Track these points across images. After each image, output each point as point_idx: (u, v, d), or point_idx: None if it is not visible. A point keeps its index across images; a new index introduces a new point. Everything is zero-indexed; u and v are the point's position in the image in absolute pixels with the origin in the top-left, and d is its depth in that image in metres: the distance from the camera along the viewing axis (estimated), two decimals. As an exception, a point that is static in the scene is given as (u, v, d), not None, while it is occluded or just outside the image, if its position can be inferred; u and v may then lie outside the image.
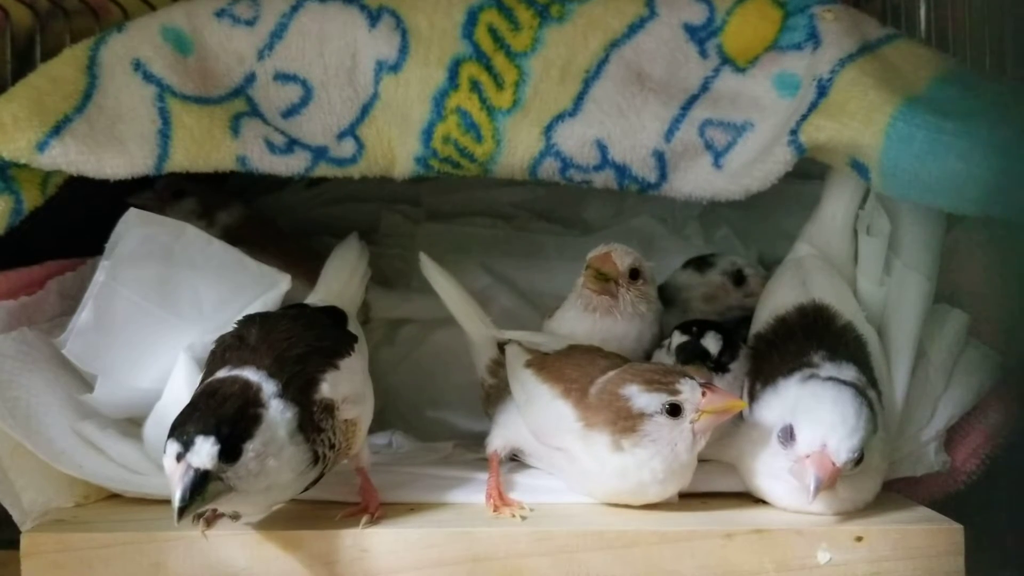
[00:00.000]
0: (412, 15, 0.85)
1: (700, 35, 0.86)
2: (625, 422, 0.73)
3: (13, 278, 0.85)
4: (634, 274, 0.87)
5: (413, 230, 1.14)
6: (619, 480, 0.74)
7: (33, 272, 0.86)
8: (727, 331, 0.85)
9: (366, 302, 1.02)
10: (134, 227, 0.83)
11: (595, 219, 1.15)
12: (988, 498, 0.82)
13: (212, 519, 0.72)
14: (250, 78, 0.85)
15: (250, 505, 0.69)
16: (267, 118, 0.85)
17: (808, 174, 0.89)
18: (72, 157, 0.79)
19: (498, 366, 0.88)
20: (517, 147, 0.84)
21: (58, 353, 0.81)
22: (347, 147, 0.86)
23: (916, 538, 0.71)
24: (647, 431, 0.73)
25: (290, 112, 0.86)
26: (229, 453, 0.64)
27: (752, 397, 0.80)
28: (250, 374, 0.69)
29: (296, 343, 0.73)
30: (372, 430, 0.80)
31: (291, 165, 0.85)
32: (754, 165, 0.81)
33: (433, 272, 0.90)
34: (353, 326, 0.83)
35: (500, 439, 0.84)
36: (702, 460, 0.76)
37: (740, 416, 0.77)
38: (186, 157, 0.83)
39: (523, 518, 0.74)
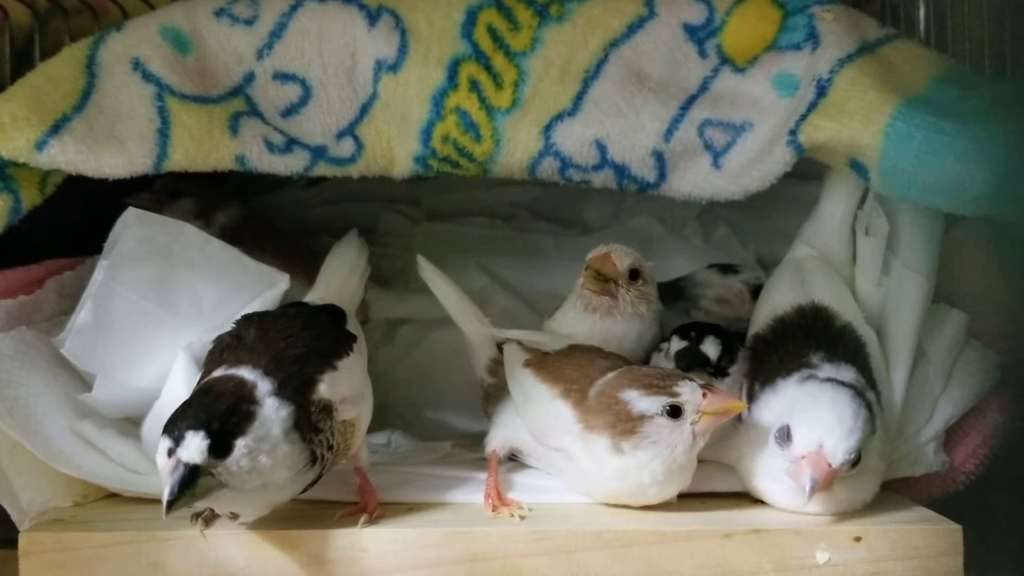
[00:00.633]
0: (411, 15, 0.85)
1: (699, 35, 0.86)
2: (625, 424, 0.73)
3: (12, 277, 0.84)
4: (634, 274, 0.87)
5: (412, 230, 1.14)
6: (619, 482, 0.74)
7: (32, 271, 0.86)
8: (725, 334, 0.84)
9: (365, 302, 1.02)
10: (133, 226, 0.83)
11: (594, 219, 1.15)
12: (987, 498, 0.82)
13: (211, 518, 0.72)
14: (249, 77, 0.85)
15: (247, 505, 0.69)
16: (266, 117, 0.85)
17: (807, 174, 0.88)
18: (71, 156, 0.79)
19: (497, 365, 0.88)
20: (516, 147, 0.84)
21: (57, 352, 0.81)
22: (346, 147, 0.86)
23: (915, 538, 0.71)
24: (647, 433, 0.73)
25: (289, 111, 0.86)
26: (219, 448, 0.64)
27: (751, 398, 0.80)
28: (246, 373, 0.69)
29: (294, 343, 0.73)
30: (371, 429, 0.80)
31: (290, 164, 0.85)
32: (753, 165, 0.81)
33: (431, 274, 0.90)
34: (352, 325, 0.83)
35: (499, 439, 0.84)
36: (701, 461, 0.76)
37: (739, 418, 0.77)
38: (185, 156, 0.82)
39: (521, 518, 0.74)
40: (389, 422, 1.01)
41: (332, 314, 0.83)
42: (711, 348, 0.83)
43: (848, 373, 0.77)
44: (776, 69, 0.84)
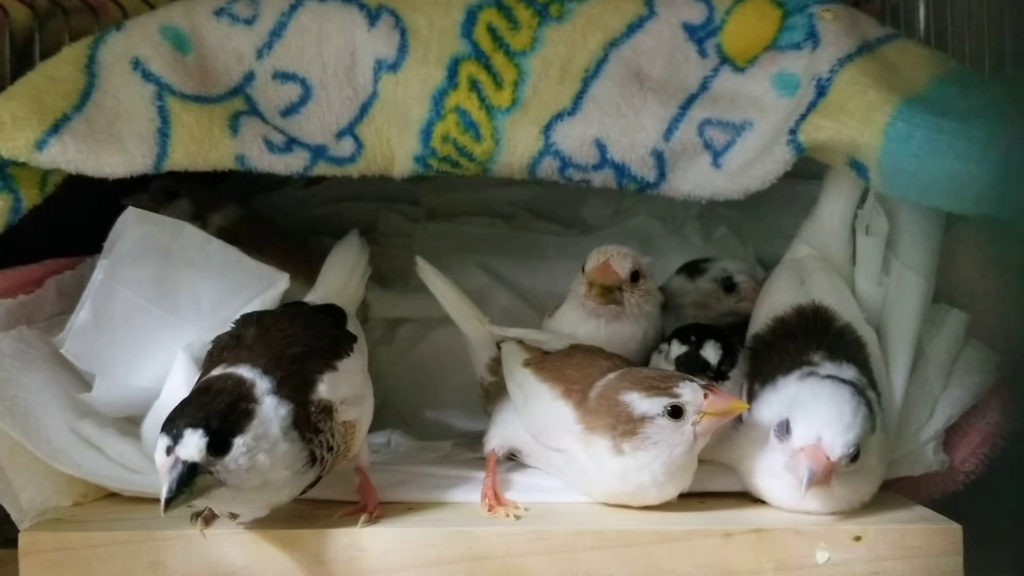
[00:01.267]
0: (411, 14, 0.85)
1: (699, 34, 0.86)
2: (626, 426, 0.73)
3: (12, 276, 0.85)
4: (635, 276, 0.87)
5: (412, 229, 1.14)
6: (619, 483, 0.74)
7: (32, 271, 0.86)
8: (725, 337, 0.84)
9: (365, 301, 1.02)
10: (132, 226, 0.83)
11: (594, 218, 1.15)
12: (987, 498, 0.82)
13: (210, 518, 0.72)
14: (249, 77, 0.85)
15: (245, 504, 0.69)
16: (266, 117, 0.85)
17: (807, 174, 0.88)
18: (71, 156, 0.79)
19: (497, 364, 0.88)
20: (516, 146, 0.84)
21: (56, 352, 0.81)
22: (346, 146, 0.86)
23: (914, 538, 0.71)
24: (648, 434, 0.73)
25: (289, 111, 0.86)
26: (218, 446, 0.64)
27: (750, 397, 0.80)
28: (244, 371, 0.69)
29: (293, 342, 0.73)
30: (370, 429, 0.80)
31: (290, 164, 0.85)
32: (753, 165, 0.81)
33: (429, 274, 0.90)
34: (352, 325, 0.83)
35: (498, 439, 0.84)
36: (701, 461, 0.76)
37: (739, 418, 0.77)
38: (185, 156, 0.82)
39: (517, 518, 0.74)
40: (389, 421, 1.01)
41: (332, 314, 0.83)
42: (711, 353, 0.82)
43: (849, 371, 0.77)
44: (776, 68, 0.84)
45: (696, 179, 0.84)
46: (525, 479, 0.82)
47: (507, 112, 0.84)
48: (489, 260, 1.10)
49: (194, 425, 0.64)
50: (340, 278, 0.91)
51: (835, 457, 0.71)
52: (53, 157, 0.79)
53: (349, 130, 0.86)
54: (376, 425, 0.87)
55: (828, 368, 0.77)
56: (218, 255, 0.85)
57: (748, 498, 0.78)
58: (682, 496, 0.76)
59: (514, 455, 0.85)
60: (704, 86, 0.85)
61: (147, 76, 0.83)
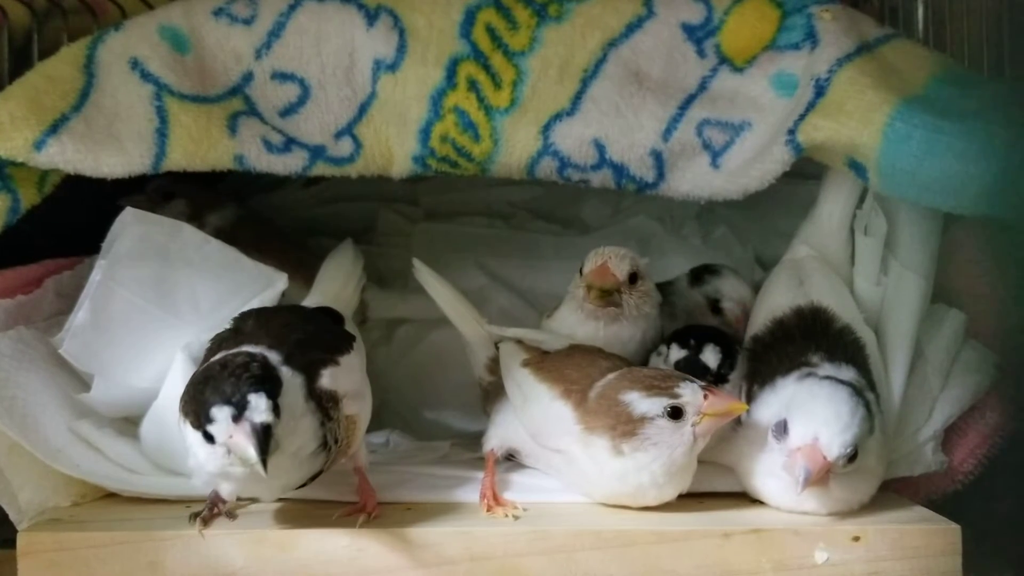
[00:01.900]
0: (410, 14, 0.85)
1: (698, 35, 0.86)
2: (625, 426, 0.73)
3: (10, 277, 0.84)
4: (632, 277, 0.86)
5: (411, 229, 1.14)
6: (618, 483, 0.74)
7: (30, 271, 0.86)
8: (724, 339, 0.84)
9: (364, 302, 1.02)
10: (131, 226, 0.83)
11: (593, 218, 1.15)
12: (985, 498, 0.82)
13: (209, 518, 0.72)
14: (248, 77, 0.85)
15: (276, 476, 0.68)
16: (265, 117, 0.85)
17: (806, 174, 0.89)
18: (69, 156, 0.79)
19: (496, 364, 0.88)
20: (515, 146, 0.84)
21: (55, 352, 0.81)
22: (345, 146, 0.86)
23: (913, 538, 0.71)
24: (648, 435, 0.73)
25: (288, 111, 0.86)
26: (276, 408, 0.65)
27: (749, 398, 0.80)
28: (249, 348, 0.70)
29: (295, 331, 0.74)
30: (369, 429, 0.80)
31: (289, 164, 0.85)
32: (752, 165, 0.81)
33: (427, 276, 0.90)
34: (350, 327, 0.83)
35: (496, 439, 0.84)
36: (700, 461, 0.76)
37: (738, 420, 0.77)
38: (183, 156, 0.82)
39: (515, 518, 0.74)
40: (388, 422, 1.01)
41: (330, 315, 0.83)
42: (711, 357, 0.82)
43: (848, 373, 0.77)
44: (775, 69, 0.84)
45: (695, 179, 0.84)
46: (524, 479, 0.82)
47: (506, 112, 0.84)
48: (488, 260, 1.10)
49: (256, 389, 0.65)
50: (335, 285, 0.91)
51: (832, 457, 0.71)
52: (51, 157, 0.79)
53: (348, 130, 0.86)
54: (375, 425, 0.87)
55: (827, 369, 0.77)
56: (216, 255, 0.85)
57: (747, 498, 0.78)
58: (681, 496, 0.76)
59: (513, 455, 0.85)
60: (703, 86, 0.85)
61: (146, 76, 0.83)
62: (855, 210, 0.88)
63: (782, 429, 0.73)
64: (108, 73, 0.83)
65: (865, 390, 0.76)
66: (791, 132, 0.79)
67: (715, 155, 0.84)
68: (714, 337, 0.83)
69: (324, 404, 0.70)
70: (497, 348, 0.88)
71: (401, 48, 0.85)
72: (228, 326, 0.77)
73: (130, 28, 0.85)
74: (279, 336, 0.72)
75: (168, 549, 0.71)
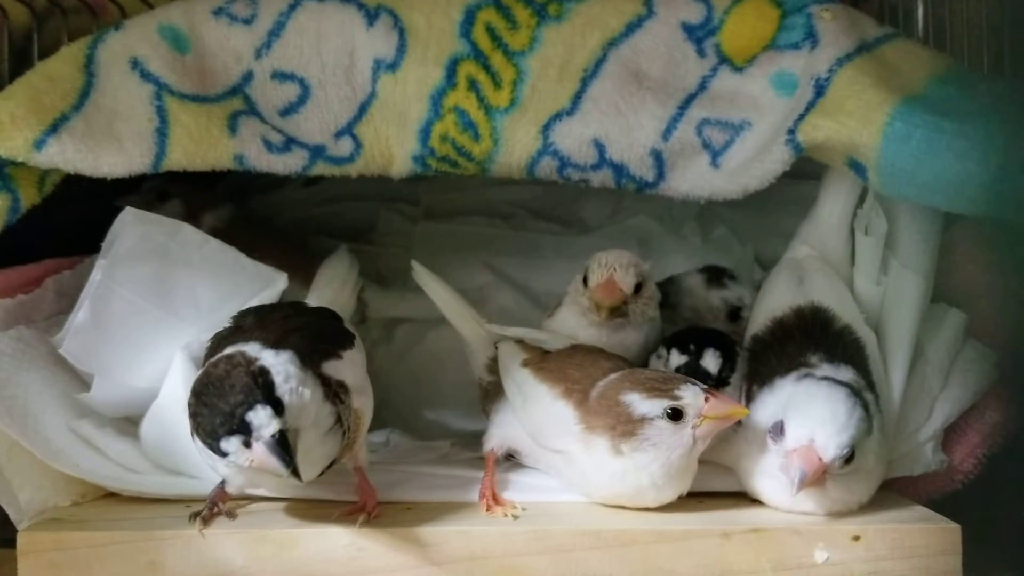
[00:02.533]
0: (410, 14, 0.85)
1: (698, 34, 0.86)
2: (625, 427, 0.73)
3: (10, 276, 0.84)
4: (638, 287, 0.86)
5: (411, 229, 1.14)
6: (618, 483, 0.74)
7: (30, 270, 0.86)
8: (723, 342, 0.84)
9: (363, 301, 1.02)
10: (130, 226, 0.83)
11: (593, 218, 1.15)
12: (985, 498, 0.82)
13: (209, 517, 0.72)
14: (248, 76, 0.85)
15: (313, 448, 0.69)
16: (265, 117, 0.85)
17: (806, 174, 0.88)
18: (69, 155, 0.79)
19: (496, 363, 0.88)
20: (515, 146, 0.84)
21: (55, 352, 0.81)
22: (345, 146, 0.86)
23: (913, 537, 0.71)
24: (647, 435, 0.73)
25: (288, 111, 0.86)
26: (276, 406, 0.65)
27: (749, 398, 0.80)
28: (229, 349, 0.69)
29: (295, 325, 0.74)
30: (369, 428, 0.80)
31: (289, 164, 0.85)
32: (752, 164, 0.81)
33: (426, 278, 0.90)
34: (349, 327, 0.83)
35: (496, 438, 0.83)
36: (700, 461, 0.76)
37: (739, 422, 0.77)
38: (183, 155, 0.82)
39: (515, 517, 0.74)
40: (388, 421, 1.00)
41: (330, 314, 0.83)
42: (711, 362, 0.82)
43: (846, 373, 0.77)
44: (774, 68, 0.84)
45: (695, 179, 0.84)
46: (524, 479, 0.82)
47: (506, 112, 0.84)
48: (488, 260, 1.10)
49: (249, 406, 0.64)
50: (332, 290, 0.92)
51: (828, 459, 0.71)
52: (51, 157, 0.79)
53: (348, 130, 0.86)
54: (375, 424, 0.87)
55: (825, 370, 0.77)
56: (216, 255, 0.86)
57: (747, 498, 0.78)
58: (681, 496, 0.76)
59: (513, 455, 0.85)
60: (703, 86, 0.85)
61: (145, 76, 0.83)
62: (855, 210, 0.87)
63: (779, 430, 0.73)
64: (108, 73, 0.83)
65: (864, 390, 0.76)
66: (791, 132, 0.79)
67: (715, 155, 0.84)
68: (713, 341, 0.83)
69: (331, 386, 0.70)
70: (497, 348, 0.88)
71: (401, 48, 0.85)
72: (228, 324, 0.77)
73: (130, 28, 0.85)
74: (275, 329, 0.72)
75: (168, 548, 0.71)
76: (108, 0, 0.95)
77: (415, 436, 0.98)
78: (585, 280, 0.86)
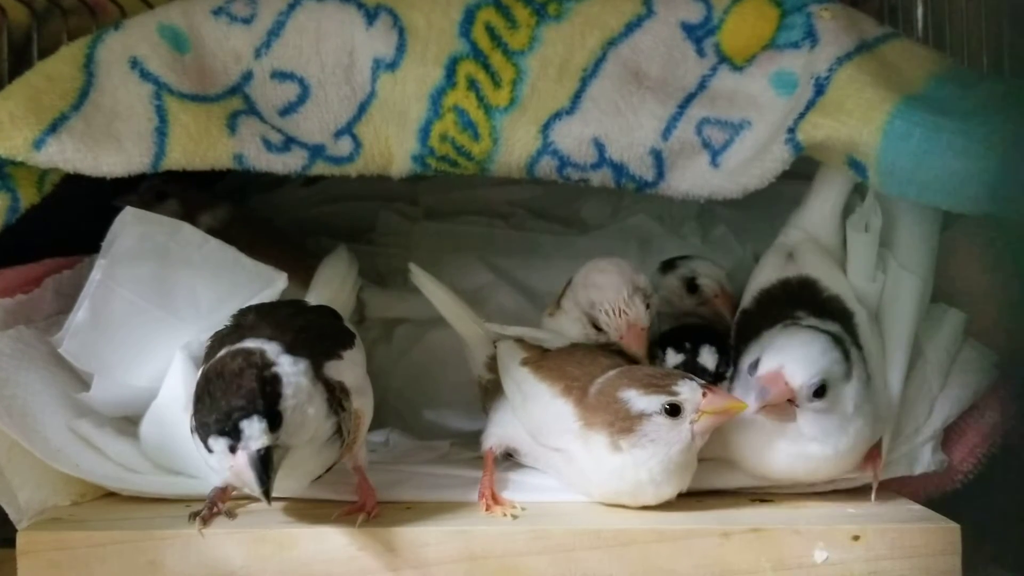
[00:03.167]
0: (409, 13, 0.85)
1: (697, 34, 0.86)
2: (623, 423, 0.73)
3: (10, 276, 0.85)
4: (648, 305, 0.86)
5: (410, 228, 1.14)
6: (617, 480, 0.74)
7: (30, 270, 0.86)
8: (717, 337, 0.84)
9: (361, 301, 1.02)
10: (130, 225, 0.83)
11: (592, 218, 1.15)
12: (985, 497, 0.82)
13: (209, 517, 0.72)
14: (247, 76, 0.85)
15: (298, 466, 0.69)
16: (264, 116, 0.85)
17: (806, 173, 0.89)
18: (69, 155, 0.79)
19: (495, 362, 0.88)
20: (514, 145, 0.84)
21: (55, 351, 0.81)
22: (344, 145, 0.86)
23: (913, 537, 0.71)
24: (646, 431, 0.73)
25: (287, 110, 0.86)
26: (274, 421, 0.65)
27: (737, 359, 0.81)
28: (248, 343, 0.69)
29: (298, 321, 0.74)
30: (369, 428, 0.80)
31: (288, 163, 0.85)
32: (752, 164, 0.81)
33: (424, 281, 0.90)
34: (349, 326, 0.83)
35: (495, 438, 0.83)
36: (701, 459, 0.76)
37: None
38: (183, 155, 0.82)
39: (514, 517, 0.74)
40: (387, 421, 1.01)
41: (331, 312, 0.83)
42: (708, 358, 0.83)
43: (832, 326, 0.78)
44: (774, 67, 0.84)
45: (694, 178, 0.84)
46: (523, 478, 0.82)
47: (505, 111, 0.84)
48: (488, 259, 1.10)
49: (247, 414, 0.64)
50: (331, 289, 0.92)
51: (795, 384, 0.71)
52: (51, 156, 0.79)
53: (347, 129, 0.86)
54: (374, 424, 0.87)
55: (811, 321, 0.78)
56: (216, 254, 0.85)
57: (747, 497, 0.78)
58: (680, 495, 0.76)
59: (512, 454, 0.85)
60: (702, 85, 0.85)
61: (145, 75, 0.83)
62: (847, 201, 0.88)
63: (755, 366, 0.74)
64: (108, 72, 0.83)
65: (848, 344, 0.76)
66: (791, 131, 0.79)
67: (715, 154, 0.84)
68: (708, 337, 0.84)
69: (335, 392, 0.70)
70: (496, 347, 0.88)
71: (400, 47, 0.85)
72: (228, 323, 0.77)
73: (129, 27, 0.85)
74: (282, 326, 0.72)
75: (167, 548, 0.71)
76: (108, 0, 0.95)
77: (414, 436, 0.98)
78: (595, 325, 0.85)
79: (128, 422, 0.83)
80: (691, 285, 0.94)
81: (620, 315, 0.84)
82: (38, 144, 0.78)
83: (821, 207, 0.88)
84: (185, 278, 0.84)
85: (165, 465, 0.80)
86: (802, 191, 0.93)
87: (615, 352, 0.83)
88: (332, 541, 0.71)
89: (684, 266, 0.95)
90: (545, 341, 0.85)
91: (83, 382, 0.82)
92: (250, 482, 0.65)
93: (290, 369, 0.68)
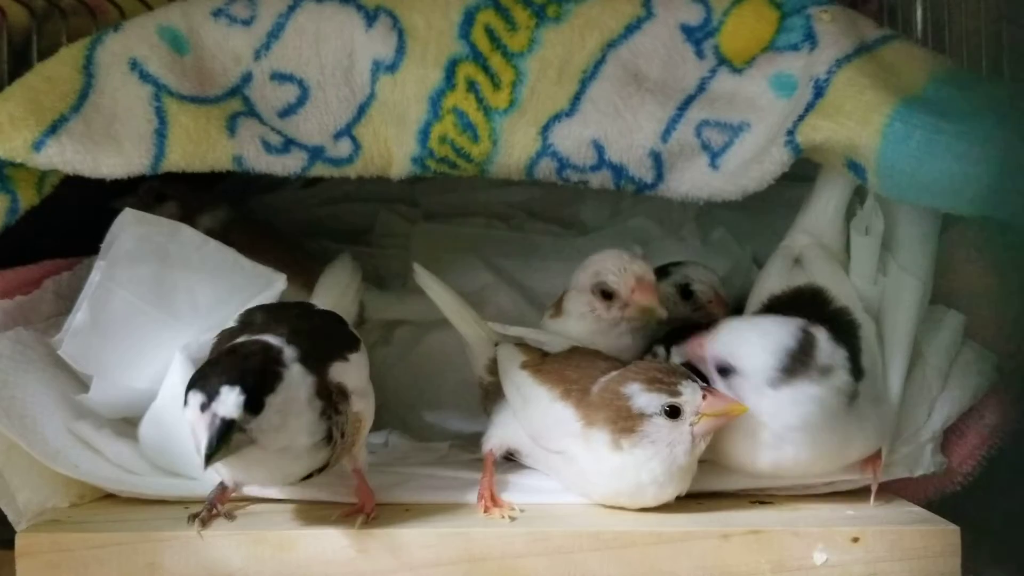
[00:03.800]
0: (409, 15, 0.85)
1: (697, 36, 0.86)
2: (625, 422, 0.73)
3: (9, 277, 0.84)
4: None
5: (410, 230, 1.14)
6: (617, 480, 0.74)
7: (29, 271, 0.86)
8: None
9: (361, 302, 1.02)
10: (129, 227, 0.83)
11: (592, 219, 1.15)
12: (985, 499, 0.82)
13: (208, 518, 0.72)
14: (247, 78, 0.85)
15: (262, 469, 0.69)
16: (264, 118, 0.85)
17: (805, 176, 0.89)
18: (68, 156, 0.79)
19: (497, 364, 0.88)
20: (514, 147, 0.84)
21: (54, 353, 0.81)
22: (344, 147, 0.86)
23: (912, 539, 0.71)
24: (646, 432, 0.73)
25: (287, 112, 0.86)
26: (253, 405, 0.65)
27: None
28: (270, 339, 0.70)
29: (306, 323, 0.74)
30: (369, 430, 0.80)
31: (287, 165, 0.85)
32: (751, 165, 0.81)
33: (427, 280, 0.90)
34: (354, 331, 0.83)
35: (495, 439, 0.83)
36: (701, 461, 0.76)
37: None
38: (182, 157, 0.83)
39: (512, 519, 0.74)
40: (387, 423, 1.01)
41: (335, 316, 0.83)
42: None
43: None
44: (773, 69, 0.84)
45: (694, 180, 0.84)
46: (522, 480, 0.82)
47: (505, 113, 0.84)
48: (487, 261, 1.10)
49: (231, 383, 0.64)
50: (333, 296, 0.92)
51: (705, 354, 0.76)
52: (50, 158, 0.79)
53: (347, 131, 0.86)
54: (374, 426, 0.87)
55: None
56: (215, 256, 0.85)
57: (746, 499, 0.78)
58: (680, 497, 0.76)
59: (512, 455, 0.85)
60: (702, 87, 0.85)
61: (145, 77, 0.83)
62: (849, 202, 0.87)
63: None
64: (107, 74, 0.83)
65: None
66: (790, 133, 0.79)
67: (714, 156, 0.84)
68: None
69: (333, 398, 0.71)
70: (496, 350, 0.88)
71: (400, 49, 0.85)
72: (233, 323, 0.77)
73: (129, 29, 0.85)
74: (295, 328, 0.73)
75: (166, 550, 0.71)
76: (107, 1, 0.95)
77: (414, 437, 0.98)
78: (604, 294, 0.86)
79: (127, 424, 0.83)
80: (685, 291, 0.93)
81: (627, 273, 0.85)
82: (38, 146, 0.79)
83: (824, 210, 0.88)
84: (184, 280, 0.84)
85: (164, 467, 0.80)
86: (801, 193, 0.93)
87: (612, 357, 0.83)
88: (331, 543, 0.71)
89: (677, 272, 0.95)
90: (546, 344, 0.85)
91: (82, 384, 0.82)
92: (199, 443, 0.64)
93: (296, 379, 0.68)
